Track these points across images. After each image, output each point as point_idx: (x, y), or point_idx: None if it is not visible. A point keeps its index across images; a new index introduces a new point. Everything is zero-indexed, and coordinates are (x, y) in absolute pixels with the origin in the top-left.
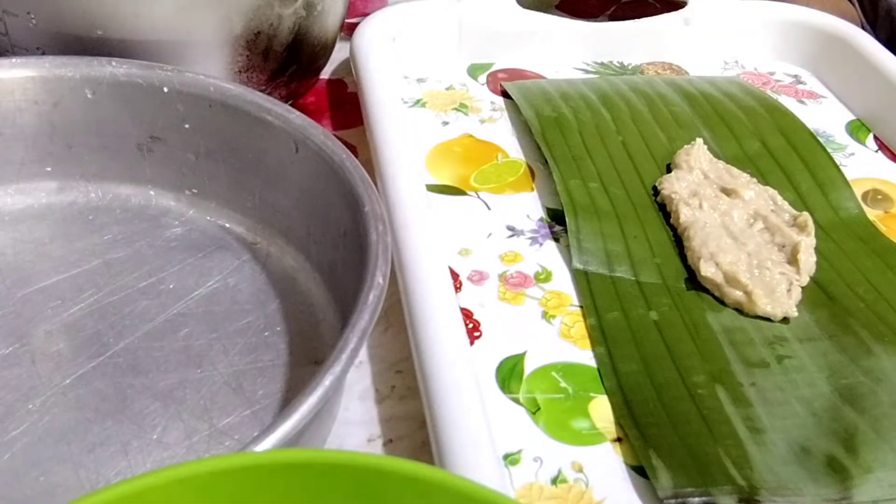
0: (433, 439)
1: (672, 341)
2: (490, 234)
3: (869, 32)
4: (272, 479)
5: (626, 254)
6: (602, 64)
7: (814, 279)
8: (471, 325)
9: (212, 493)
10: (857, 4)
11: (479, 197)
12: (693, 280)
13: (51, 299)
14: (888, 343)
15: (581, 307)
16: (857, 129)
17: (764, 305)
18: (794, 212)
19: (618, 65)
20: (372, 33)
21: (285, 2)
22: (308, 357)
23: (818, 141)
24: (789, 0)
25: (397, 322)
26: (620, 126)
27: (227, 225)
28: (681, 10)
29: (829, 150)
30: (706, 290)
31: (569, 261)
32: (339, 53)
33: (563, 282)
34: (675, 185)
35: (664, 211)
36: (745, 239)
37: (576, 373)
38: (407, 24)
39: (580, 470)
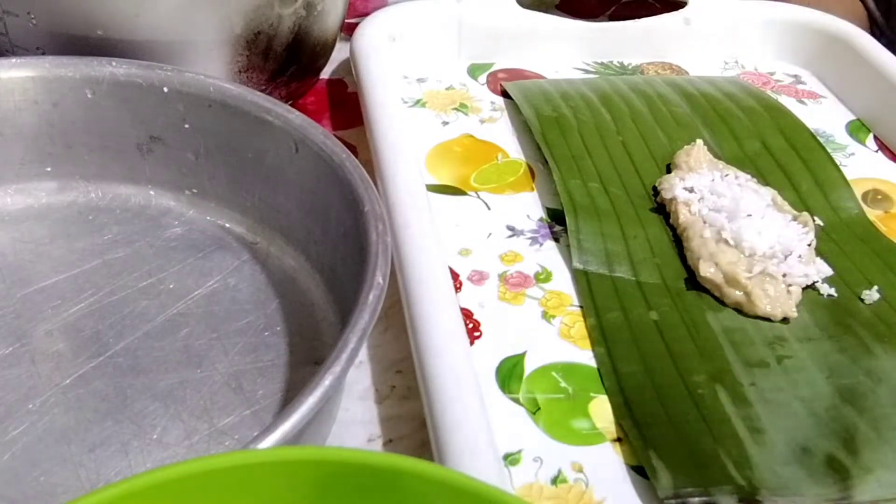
0: (433, 439)
1: (672, 341)
2: (490, 234)
3: (884, 30)
4: (272, 477)
5: (626, 254)
6: (602, 64)
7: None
8: (471, 325)
9: (212, 492)
10: (871, 3)
11: (479, 197)
12: (693, 280)
13: (51, 299)
14: (888, 343)
15: (581, 307)
16: (857, 129)
17: (764, 306)
18: (795, 212)
19: (618, 65)
20: (372, 33)
21: (285, 2)
22: (308, 357)
23: (818, 141)
24: (792, 1)
25: (397, 322)
26: (620, 126)
27: (227, 225)
28: (681, 10)
29: (829, 150)
30: (706, 290)
31: (569, 261)
32: (339, 53)
33: (563, 282)
34: (675, 186)
35: (664, 211)
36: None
37: (576, 373)
38: (407, 24)
39: (580, 470)
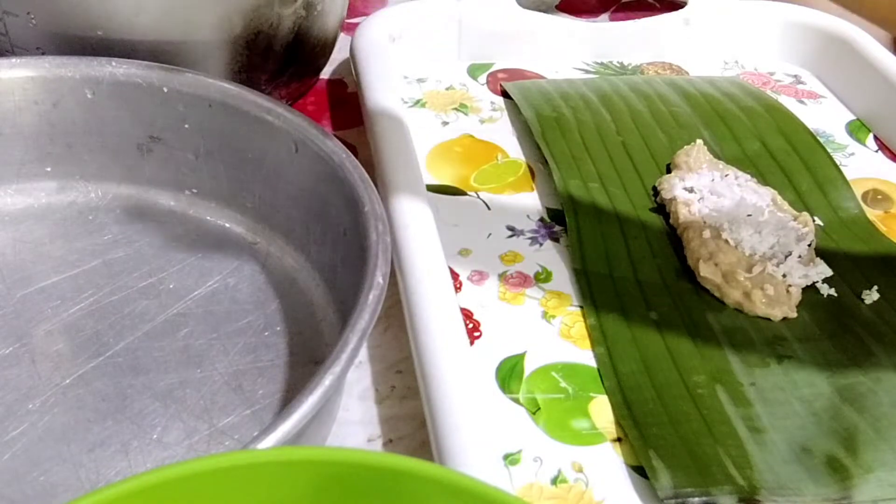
0: (433, 439)
1: (672, 341)
2: (490, 234)
3: None
4: (272, 477)
5: (626, 254)
6: (602, 64)
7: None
8: (471, 325)
9: (212, 492)
10: None
11: (479, 197)
12: (693, 280)
13: (51, 299)
14: (888, 343)
15: (581, 307)
16: (857, 129)
17: (763, 306)
18: (795, 212)
19: (618, 65)
20: (372, 33)
21: (285, 2)
22: (308, 357)
23: (818, 141)
24: (795, 2)
25: (397, 322)
26: (620, 126)
27: (227, 225)
28: (681, 10)
29: (829, 150)
30: (706, 290)
31: (569, 261)
32: (339, 53)
33: (563, 282)
34: (675, 186)
35: (664, 211)
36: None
37: (576, 373)
38: (407, 24)
39: (580, 470)
